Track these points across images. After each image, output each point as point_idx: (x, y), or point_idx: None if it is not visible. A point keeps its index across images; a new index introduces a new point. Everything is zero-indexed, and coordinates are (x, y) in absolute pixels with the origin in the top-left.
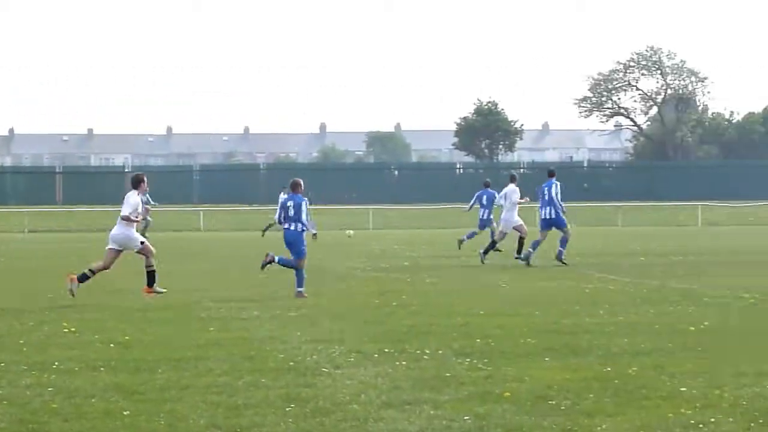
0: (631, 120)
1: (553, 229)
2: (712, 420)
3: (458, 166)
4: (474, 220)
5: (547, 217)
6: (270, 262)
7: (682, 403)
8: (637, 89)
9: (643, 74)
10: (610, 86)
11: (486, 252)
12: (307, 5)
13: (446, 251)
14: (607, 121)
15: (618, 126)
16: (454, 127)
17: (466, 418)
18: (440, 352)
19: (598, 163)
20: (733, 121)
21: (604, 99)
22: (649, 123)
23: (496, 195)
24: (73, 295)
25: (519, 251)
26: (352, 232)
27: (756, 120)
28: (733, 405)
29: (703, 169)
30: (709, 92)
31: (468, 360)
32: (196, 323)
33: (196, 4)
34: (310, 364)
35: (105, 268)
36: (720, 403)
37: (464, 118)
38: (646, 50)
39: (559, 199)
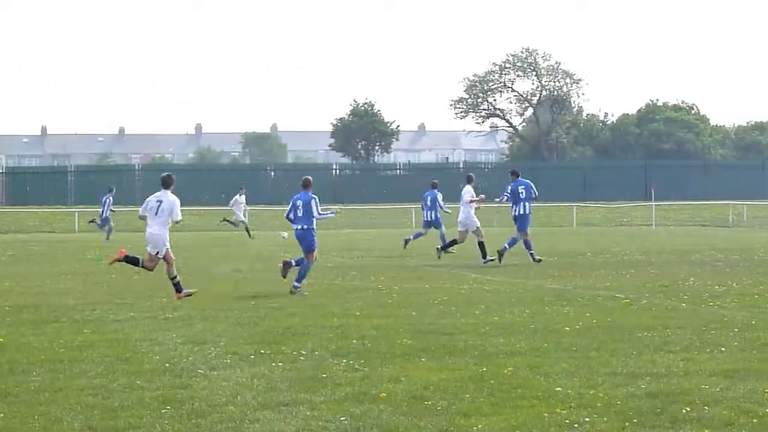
0: (507, 121)
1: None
2: (587, 420)
3: (334, 167)
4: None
5: (521, 213)
6: (288, 267)
7: (557, 402)
8: (513, 90)
9: (518, 76)
10: (485, 87)
11: (443, 248)
12: (181, 5)
13: (321, 252)
14: (482, 122)
15: (494, 127)
16: (330, 128)
17: (342, 418)
18: (316, 353)
19: (474, 164)
20: (608, 123)
21: (479, 100)
22: (524, 124)
23: (439, 196)
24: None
25: (483, 255)
26: (285, 234)
27: (630, 121)
28: (607, 405)
29: (577, 170)
30: (583, 94)
31: (344, 361)
32: (70, 325)
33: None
34: (186, 366)
35: (152, 269)
36: (595, 402)
37: (340, 119)
38: (522, 52)
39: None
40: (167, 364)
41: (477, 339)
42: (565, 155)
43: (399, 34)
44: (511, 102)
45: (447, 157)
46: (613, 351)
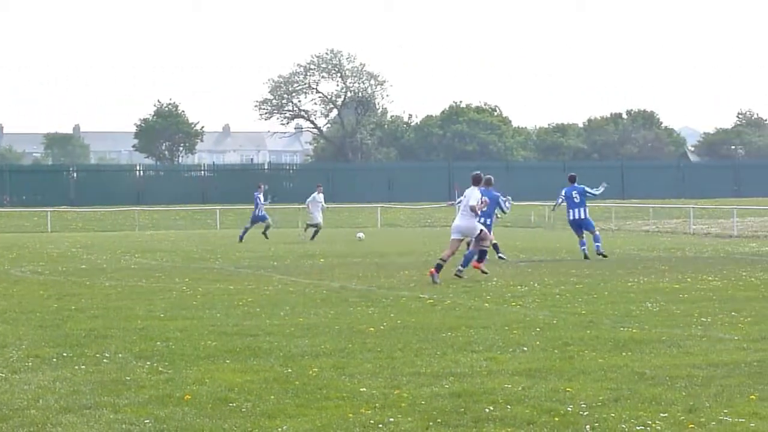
0: (312, 122)
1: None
2: (392, 420)
3: (138, 168)
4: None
5: (579, 218)
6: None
7: (362, 403)
8: (318, 92)
9: (323, 77)
10: (290, 89)
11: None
12: None
13: (126, 254)
14: (287, 123)
15: (298, 128)
16: (134, 129)
17: (146, 421)
18: (120, 355)
19: (279, 165)
20: (412, 124)
21: (284, 101)
22: (329, 125)
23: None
24: (436, 282)
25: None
26: (362, 234)
27: (434, 123)
28: (411, 405)
29: (382, 171)
30: (388, 95)
31: (148, 363)
32: None
33: None
34: None
35: (451, 254)
36: (399, 402)
37: (144, 119)
38: (327, 53)
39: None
40: None
41: (282, 340)
42: (369, 156)
43: (204, 35)
44: (315, 103)
45: (252, 158)
46: (417, 351)
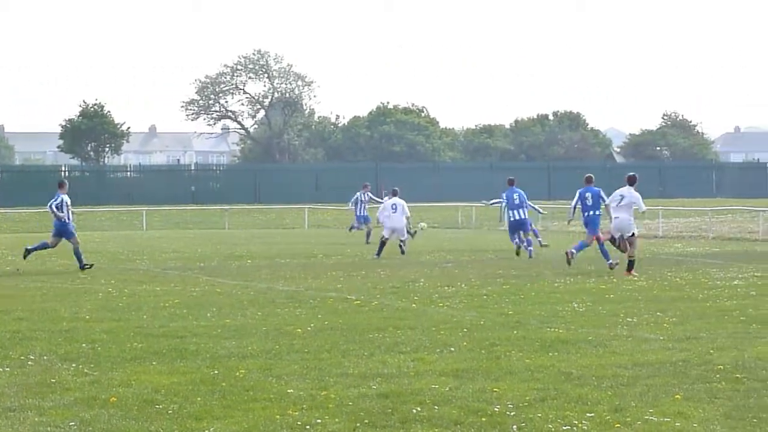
0: (239, 123)
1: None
2: (319, 421)
3: (63, 168)
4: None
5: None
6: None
7: (289, 404)
8: (245, 93)
9: (250, 78)
10: (217, 89)
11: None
12: None
13: (51, 255)
14: (214, 124)
15: (225, 129)
16: (59, 130)
17: (71, 423)
18: (45, 357)
19: (206, 166)
20: (339, 125)
21: (211, 102)
22: (256, 126)
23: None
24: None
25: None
26: (424, 224)
27: (361, 123)
28: (339, 405)
29: (309, 172)
30: (315, 96)
31: (74, 365)
32: None
33: None
34: None
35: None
36: (327, 404)
37: (70, 120)
38: (254, 54)
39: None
40: None
41: (209, 342)
42: (297, 157)
43: (130, 35)
44: (243, 104)
45: (178, 159)
46: (344, 352)
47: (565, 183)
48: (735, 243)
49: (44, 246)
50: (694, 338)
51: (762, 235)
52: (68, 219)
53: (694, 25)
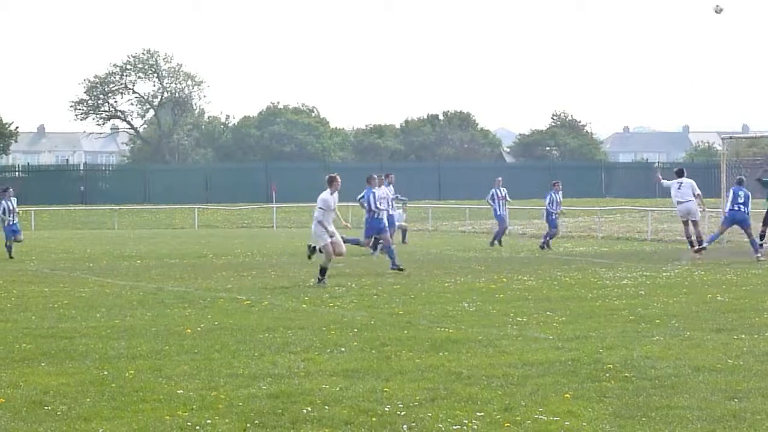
0: (128, 123)
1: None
2: (209, 422)
3: None
4: None
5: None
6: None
7: (179, 405)
8: (134, 92)
9: (139, 77)
10: (106, 89)
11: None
12: None
13: None
14: (104, 123)
15: (114, 129)
16: None
17: None
18: None
19: (95, 166)
20: (229, 125)
21: (100, 102)
22: (145, 126)
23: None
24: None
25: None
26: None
27: (251, 123)
28: (229, 406)
29: (199, 172)
30: (205, 96)
31: None
32: None
33: None
34: None
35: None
36: (216, 404)
37: None
38: (143, 53)
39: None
40: None
41: (98, 342)
42: (186, 157)
43: (17, 32)
44: (132, 104)
45: (67, 159)
46: (234, 352)
47: (455, 183)
48: (624, 243)
49: None
50: (584, 337)
51: (650, 235)
52: None
53: (583, 26)
